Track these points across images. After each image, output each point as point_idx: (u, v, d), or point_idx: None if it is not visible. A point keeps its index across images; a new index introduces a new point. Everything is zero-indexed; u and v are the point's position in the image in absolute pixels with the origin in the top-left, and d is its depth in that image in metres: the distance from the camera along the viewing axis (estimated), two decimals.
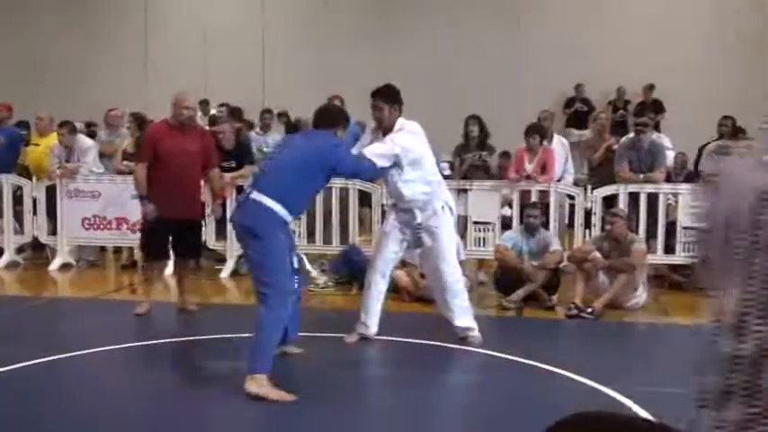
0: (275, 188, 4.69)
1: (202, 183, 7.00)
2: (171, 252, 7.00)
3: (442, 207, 5.66)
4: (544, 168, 8.35)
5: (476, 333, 5.76)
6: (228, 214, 8.60)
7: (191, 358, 5.57)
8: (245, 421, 4.36)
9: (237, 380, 4.91)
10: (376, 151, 5.37)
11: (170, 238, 6.78)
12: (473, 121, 8.72)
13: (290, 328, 5.07)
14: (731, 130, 8.05)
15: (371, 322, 5.78)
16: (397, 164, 5.43)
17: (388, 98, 5.59)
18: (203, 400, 4.63)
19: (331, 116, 5.16)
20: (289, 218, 4.76)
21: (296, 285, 4.91)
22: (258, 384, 4.46)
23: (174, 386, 4.97)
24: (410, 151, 5.46)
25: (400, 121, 5.57)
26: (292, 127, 10.26)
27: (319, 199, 8.04)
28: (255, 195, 4.69)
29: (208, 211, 7.44)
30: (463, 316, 5.76)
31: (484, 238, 8.34)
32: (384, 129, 5.62)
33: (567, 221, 8.67)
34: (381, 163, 5.33)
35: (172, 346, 5.91)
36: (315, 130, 5.09)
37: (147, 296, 6.85)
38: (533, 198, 8.17)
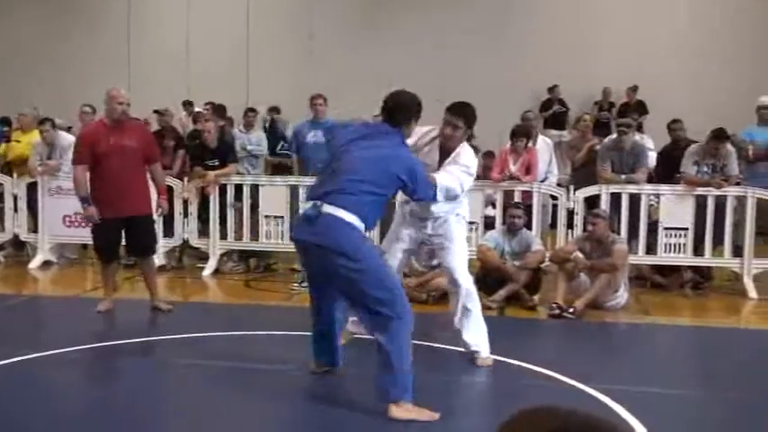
0: (348, 199, 4.18)
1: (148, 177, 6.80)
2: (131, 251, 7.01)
3: (457, 214, 5.39)
4: (528, 170, 8.38)
5: (483, 355, 5.38)
6: (209, 210, 8.68)
7: (166, 357, 5.53)
8: (229, 421, 4.34)
9: (213, 378, 4.90)
10: (445, 184, 4.78)
11: (120, 239, 6.74)
12: None
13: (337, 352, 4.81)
14: (716, 133, 8.07)
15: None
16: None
17: (469, 120, 5.12)
18: (177, 399, 4.61)
19: (406, 108, 4.54)
20: (363, 228, 4.28)
21: None
22: (403, 410, 4.15)
23: (146, 385, 4.94)
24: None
25: (462, 146, 5.15)
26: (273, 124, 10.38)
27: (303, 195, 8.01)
28: (329, 209, 4.16)
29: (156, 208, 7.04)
30: (473, 328, 5.38)
31: (467, 238, 8.33)
32: (446, 146, 5.13)
33: (549, 222, 8.70)
34: (441, 196, 4.82)
35: (148, 344, 5.87)
36: (385, 124, 4.51)
37: (107, 295, 6.80)
38: (516, 198, 8.18)
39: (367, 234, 4.62)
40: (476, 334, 5.37)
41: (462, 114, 5.09)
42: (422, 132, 5.26)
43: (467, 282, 5.37)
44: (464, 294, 5.32)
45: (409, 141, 4.97)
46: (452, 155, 5.09)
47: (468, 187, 5.15)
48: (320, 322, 4.71)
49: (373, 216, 4.42)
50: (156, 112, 10.62)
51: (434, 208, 5.19)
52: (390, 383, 4.15)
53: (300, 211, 4.30)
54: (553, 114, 14.18)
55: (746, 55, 13.83)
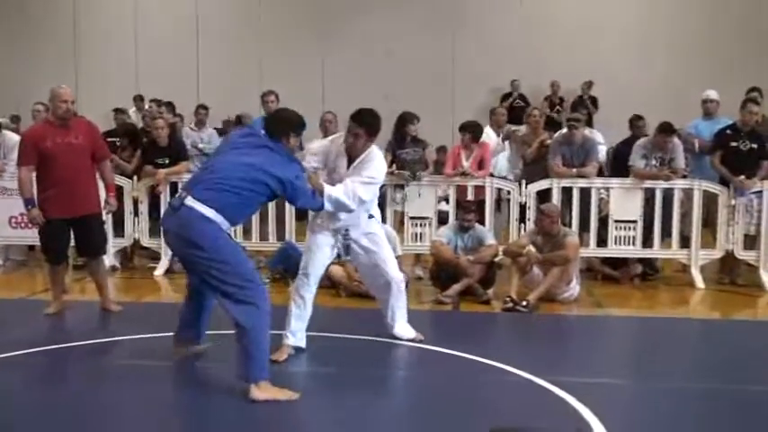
0: (211, 195, 4.42)
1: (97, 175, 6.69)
2: (80, 252, 6.91)
3: (370, 216, 5.43)
4: (480, 165, 8.44)
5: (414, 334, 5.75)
6: (160, 210, 8.55)
7: (117, 359, 5.45)
8: (179, 421, 4.28)
9: (165, 379, 4.84)
10: (335, 195, 4.95)
11: (68, 240, 6.64)
12: (414, 119, 8.58)
13: (201, 328, 5.08)
14: (662, 127, 8.19)
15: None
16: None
17: (369, 127, 5.14)
18: (127, 402, 4.55)
19: (286, 122, 4.73)
20: (223, 223, 4.49)
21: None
22: (263, 390, 4.37)
23: (96, 388, 4.85)
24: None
25: (368, 153, 5.18)
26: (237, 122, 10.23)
27: None
28: (190, 201, 4.42)
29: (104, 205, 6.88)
30: (402, 321, 5.72)
31: (421, 234, 8.39)
32: (350, 154, 5.21)
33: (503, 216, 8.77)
34: (330, 206, 4.97)
35: (98, 347, 5.74)
36: (266, 136, 4.66)
37: (56, 298, 6.70)
38: (469, 194, 8.24)
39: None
40: (404, 326, 5.72)
41: (362, 122, 5.16)
42: (327, 142, 5.48)
43: (399, 287, 5.62)
44: (396, 293, 5.60)
45: (315, 147, 5.38)
46: (356, 162, 5.18)
47: (370, 197, 5.18)
48: (191, 301, 5.01)
49: (238, 215, 4.64)
50: (116, 110, 10.45)
51: (339, 222, 5.26)
52: (249, 366, 4.39)
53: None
54: (512, 108, 14.20)
55: (694, 50, 14.12)
